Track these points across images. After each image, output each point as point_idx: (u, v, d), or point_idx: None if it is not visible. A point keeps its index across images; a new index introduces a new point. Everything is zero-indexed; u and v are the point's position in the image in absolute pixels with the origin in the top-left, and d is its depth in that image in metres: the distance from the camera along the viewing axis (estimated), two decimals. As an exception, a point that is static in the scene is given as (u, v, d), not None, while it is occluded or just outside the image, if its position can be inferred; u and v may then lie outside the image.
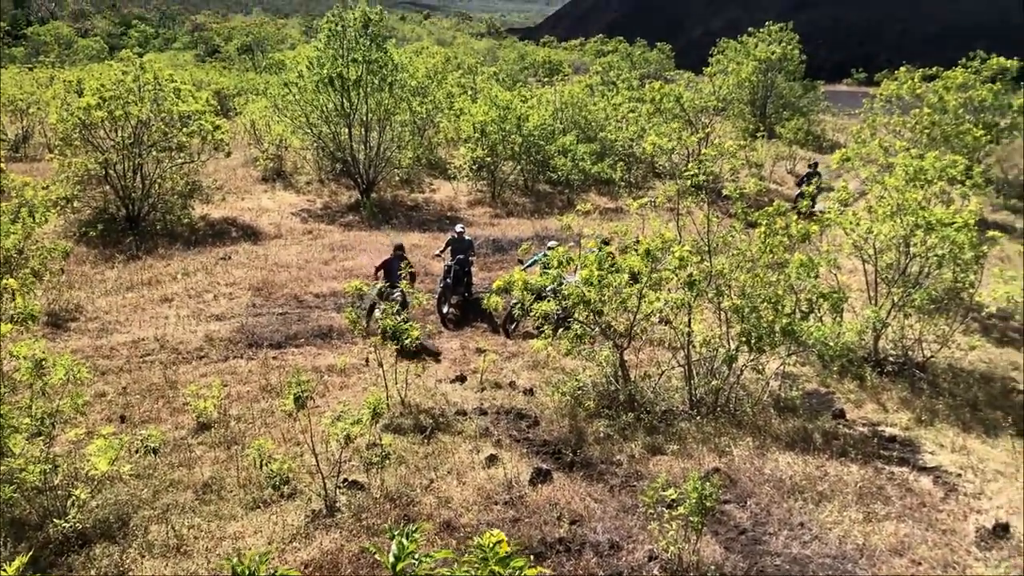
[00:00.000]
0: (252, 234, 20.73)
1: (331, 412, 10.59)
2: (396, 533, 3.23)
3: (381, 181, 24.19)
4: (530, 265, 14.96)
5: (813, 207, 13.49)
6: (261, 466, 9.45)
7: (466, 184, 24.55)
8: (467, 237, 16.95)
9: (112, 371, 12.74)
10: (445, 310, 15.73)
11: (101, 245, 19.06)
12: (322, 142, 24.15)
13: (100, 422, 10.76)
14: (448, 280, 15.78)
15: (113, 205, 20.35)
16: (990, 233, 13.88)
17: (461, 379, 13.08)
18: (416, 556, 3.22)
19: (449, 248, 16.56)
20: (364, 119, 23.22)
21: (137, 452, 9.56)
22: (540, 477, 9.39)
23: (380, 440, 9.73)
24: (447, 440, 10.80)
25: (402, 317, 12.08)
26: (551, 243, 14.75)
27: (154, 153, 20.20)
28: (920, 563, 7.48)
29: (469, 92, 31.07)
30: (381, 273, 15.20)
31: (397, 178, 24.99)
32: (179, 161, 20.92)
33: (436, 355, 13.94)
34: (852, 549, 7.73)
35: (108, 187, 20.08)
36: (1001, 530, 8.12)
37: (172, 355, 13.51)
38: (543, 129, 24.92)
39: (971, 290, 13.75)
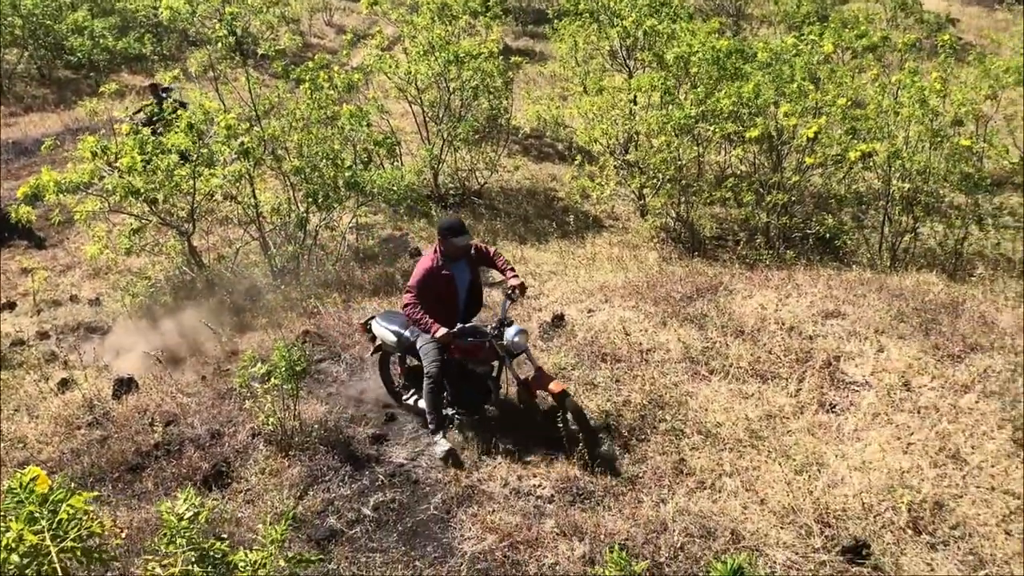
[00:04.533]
0: None
1: None
2: None
3: None
4: None
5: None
6: None
7: (-37, 82, 20.81)
8: None
9: None
10: None
11: None
12: None
13: None
14: None
15: None
16: (514, 59, 15.11)
17: (10, 306, 11.54)
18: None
19: None
20: None
21: None
22: (124, 387, 8.72)
23: (-84, 398, 8.30)
24: (7, 376, 9.57)
25: None
26: None
27: None
28: (498, 366, 8.31)
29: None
30: None
31: None
32: None
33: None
34: (439, 372, 8.34)
35: None
36: (558, 320, 9.27)
37: None
38: (47, 6, 21.62)
39: (506, 115, 15.01)
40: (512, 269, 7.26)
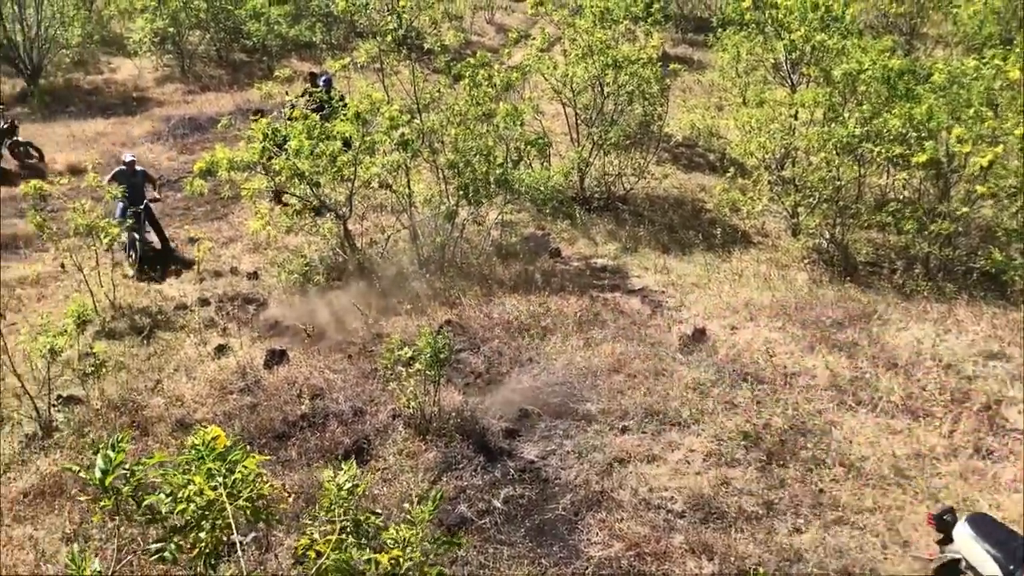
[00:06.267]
0: None
1: (30, 327, 9.59)
2: (101, 446, 2.99)
3: (49, 65, 21.30)
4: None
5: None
6: (-46, 400, 8.43)
7: (150, 60, 22.29)
8: (140, 168, 12.78)
9: None
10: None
11: None
12: (-34, 25, 20.71)
13: None
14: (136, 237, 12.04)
15: None
16: (672, 66, 14.94)
17: (176, 272, 12.29)
18: (126, 466, 3.01)
19: (117, 184, 12.05)
20: (15, -6, 20.15)
21: None
22: (275, 358, 9.18)
23: (92, 349, 8.98)
24: (169, 337, 10.21)
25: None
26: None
27: None
28: (635, 376, 8.27)
29: (138, -44, 27.75)
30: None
31: (68, 60, 22.13)
32: None
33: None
34: (576, 374, 8.37)
35: None
36: (699, 334, 9.14)
37: None
38: (229, -8, 23.00)
39: (659, 122, 14.85)
40: None
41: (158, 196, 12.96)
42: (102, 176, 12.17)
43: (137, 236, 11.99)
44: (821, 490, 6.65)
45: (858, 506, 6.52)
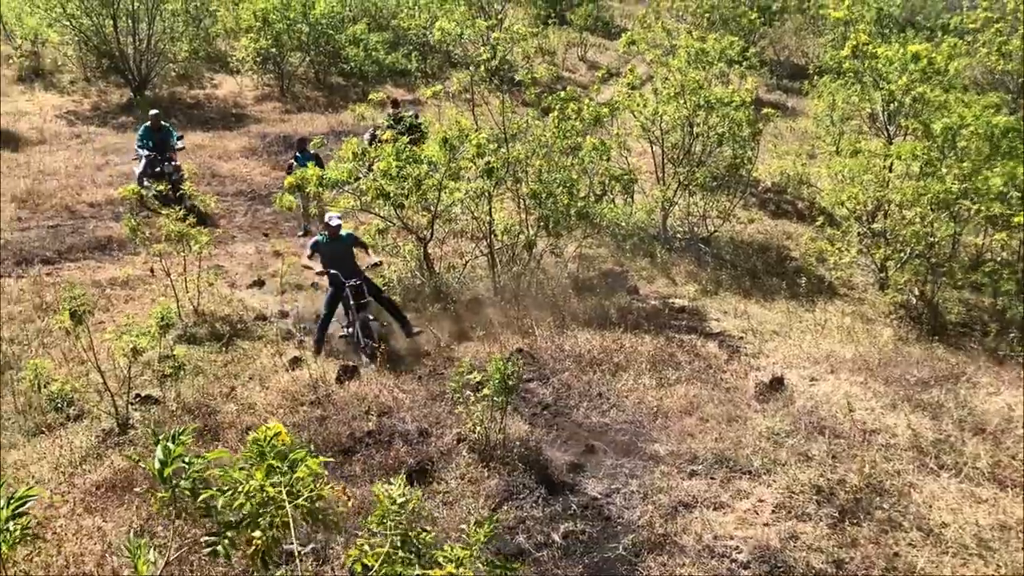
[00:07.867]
0: (10, 140, 18.59)
1: (116, 327, 9.90)
2: (161, 438, 3.01)
3: (155, 77, 22.26)
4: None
5: None
6: (40, 388, 8.72)
7: (251, 78, 23.09)
8: (345, 232, 10.54)
9: None
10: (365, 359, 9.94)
11: None
12: (84, 36, 21.78)
13: None
14: (354, 319, 10.11)
15: None
16: (765, 111, 14.73)
17: (259, 284, 12.57)
18: (185, 459, 3.02)
19: (319, 254, 10.42)
20: (130, 8, 21.11)
21: None
22: (347, 374, 9.28)
23: (173, 352, 9.21)
24: (247, 346, 10.40)
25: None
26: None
27: None
28: (707, 420, 8.07)
29: (248, -22, 28.87)
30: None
31: (173, 74, 23.09)
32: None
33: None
34: (647, 413, 8.21)
35: None
36: (776, 383, 8.87)
37: (-76, 278, 12.07)
38: (332, 17, 23.63)
39: (749, 166, 14.63)
40: None
41: (378, 260, 10.89)
42: (306, 259, 10.47)
43: (363, 321, 10.00)
44: (896, 554, 6.33)
45: (935, 574, 6.18)
